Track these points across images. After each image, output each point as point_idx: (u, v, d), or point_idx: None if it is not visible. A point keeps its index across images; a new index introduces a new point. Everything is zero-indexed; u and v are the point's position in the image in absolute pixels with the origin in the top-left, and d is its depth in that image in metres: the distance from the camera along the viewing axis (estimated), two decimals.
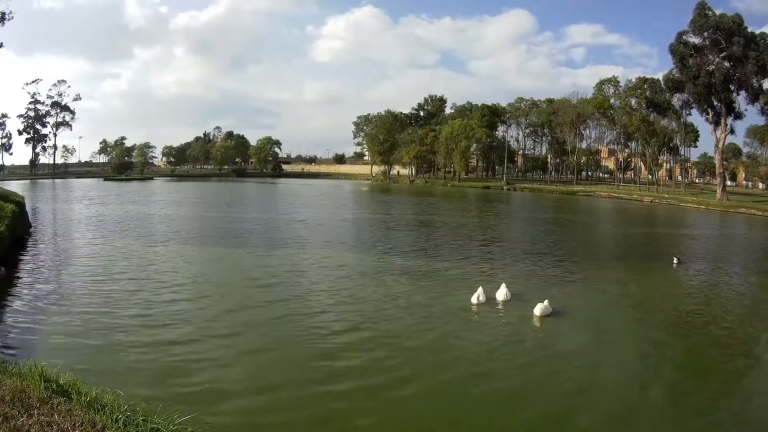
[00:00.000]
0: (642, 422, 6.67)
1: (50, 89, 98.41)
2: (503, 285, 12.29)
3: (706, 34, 56.24)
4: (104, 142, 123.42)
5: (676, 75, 60.28)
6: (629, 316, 11.86)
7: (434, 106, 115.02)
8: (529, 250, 20.68)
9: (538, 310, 10.96)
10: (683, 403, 7.32)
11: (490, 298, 11.95)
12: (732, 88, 57.26)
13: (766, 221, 40.50)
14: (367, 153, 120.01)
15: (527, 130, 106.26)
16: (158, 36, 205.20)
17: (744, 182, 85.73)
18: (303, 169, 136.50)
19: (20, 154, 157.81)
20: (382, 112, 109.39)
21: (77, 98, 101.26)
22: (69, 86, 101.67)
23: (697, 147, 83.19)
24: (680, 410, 7.10)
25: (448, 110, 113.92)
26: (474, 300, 11.78)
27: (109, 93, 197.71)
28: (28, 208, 25.36)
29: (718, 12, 56.48)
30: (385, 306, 11.69)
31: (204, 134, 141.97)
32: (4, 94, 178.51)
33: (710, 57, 56.98)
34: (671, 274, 16.49)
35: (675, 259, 17.67)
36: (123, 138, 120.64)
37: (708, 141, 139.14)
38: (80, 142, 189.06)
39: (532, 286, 13.80)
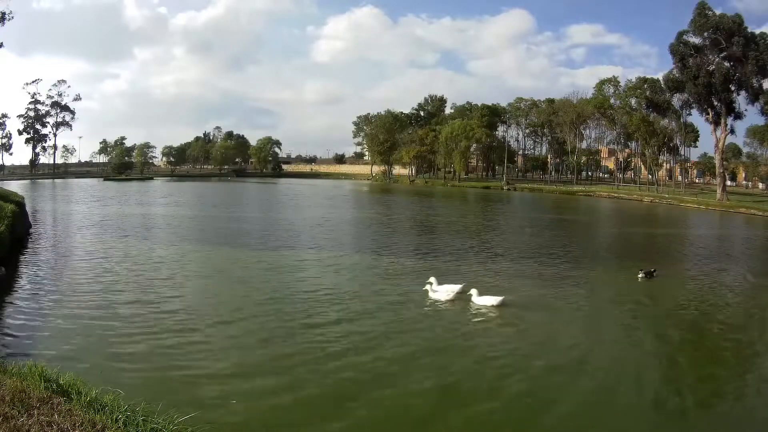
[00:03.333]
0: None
1: (50, 89, 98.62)
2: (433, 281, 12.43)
3: (706, 34, 56.28)
4: (104, 142, 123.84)
5: (676, 75, 60.30)
6: (616, 312, 11.83)
7: (434, 106, 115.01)
8: (529, 250, 20.70)
9: (478, 300, 11.46)
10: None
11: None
12: (732, 88, 57.30)
13: (766, 221, 40.50)
14: (367, 153, 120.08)
15: (527, 130, 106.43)
16: (157, 36, 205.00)
17: (744, 182, 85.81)
18: (311, 169, 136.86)
19: (20, 154, 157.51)
20: (382, 112, 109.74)
21: (77, 98, 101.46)
22: (69, 86, 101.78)
23: (697, 147, 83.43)
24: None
25: (448, 110, 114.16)
26: (435, 296, 11.99)
27: (108, 93, 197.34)
28: (28, 208, 25.34)
29: (718, 12, 56.68)
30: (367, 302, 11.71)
31: (204, 134, 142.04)
32: (4, 94, 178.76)
33: (710, 57, 57.01)
34: (670, 274, 16.40)
35: (641, 272, 14.96)
36: (123, 138, 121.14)
37: (708, 141, 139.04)
38: (80, 142, 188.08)
39: (523, 285, 13.79)
